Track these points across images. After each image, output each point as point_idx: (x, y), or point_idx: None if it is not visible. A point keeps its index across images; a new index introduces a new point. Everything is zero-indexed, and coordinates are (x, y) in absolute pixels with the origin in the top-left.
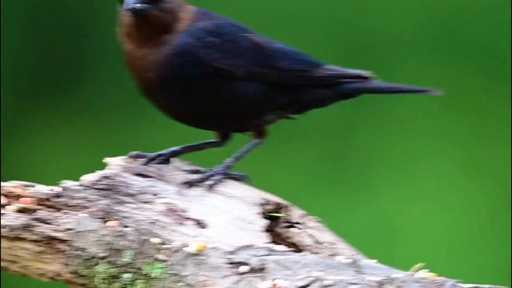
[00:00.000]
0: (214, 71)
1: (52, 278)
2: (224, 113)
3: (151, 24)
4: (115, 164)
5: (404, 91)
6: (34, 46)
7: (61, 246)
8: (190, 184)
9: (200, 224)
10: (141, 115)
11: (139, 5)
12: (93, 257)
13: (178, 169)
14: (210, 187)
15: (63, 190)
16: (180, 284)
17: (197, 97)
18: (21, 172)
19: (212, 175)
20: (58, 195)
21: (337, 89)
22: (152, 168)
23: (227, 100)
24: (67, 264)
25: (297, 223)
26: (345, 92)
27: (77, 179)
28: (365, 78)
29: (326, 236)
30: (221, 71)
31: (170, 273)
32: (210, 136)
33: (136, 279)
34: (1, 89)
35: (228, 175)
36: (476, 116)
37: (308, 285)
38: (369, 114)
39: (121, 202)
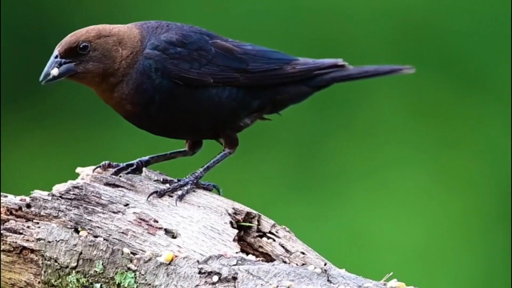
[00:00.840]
0: (184, 82)
1: None
2: (202, 121)
3: (88, 77)
4: (86, 173)
5: (379, 73)
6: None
7: (33, 256)
8: (160, 194)
9: (171, 233)
10: (110, 120)
11: (55, 70)
12: (65, 267)
13: (149, 179)
14: (180, 198)
15: (34, 200)
16: None
17: (175, 110)
18: None
19: (183, 185)
20: (29, 205)
21: (312, 83)
22: (123, 178)
23: (204, 108)
24: (38, 274)
25: (269, 232)
26: (320, 85)
27: (47, 188)
28: (340, 66)
29: (297, 245)
30: (191, 81)
31: (142, 283)
32: (180, 144)
33: None
34: None
35: (199, 185)
36: (445, 123)
37: None
38: (339, 123)
39: (92, 212)
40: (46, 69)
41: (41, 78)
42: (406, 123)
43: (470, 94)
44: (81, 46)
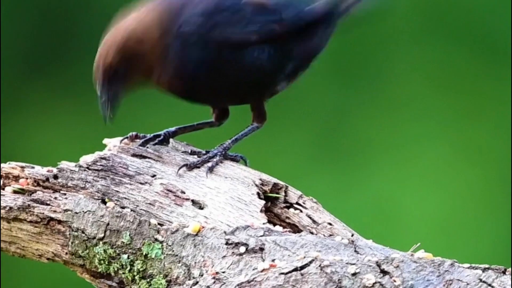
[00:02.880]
0: (230, 45)
1: (50, 259)
2: (245, 84)
3: (135, 84)
4: (113, 145)
5: None
6: (24, 25)
7: (60, 227)
8: (190, 167)
9: (198, 205)
10: (137, 92)
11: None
12: (92, 238)
13: (176, 150)
14: (210, 169)
15: (61, 171)
16: (179, 264)
17: (220, 75)
18: (17, 152)
19: (212, 157)
20: (56, 176)
21: (333, 19)
22: (150, 149)
23: (247, 69)
24: (65, 245)
25: (296, 203)
26: (336, 20)
27: (74, 159)
28: None
29: (324, 216)
30: (235, 43)
31: (168, 254)
32: (206, 116)
33: (135, 260)
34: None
35: (226, 156)
36: (472, 98)
37: (306, 265)
38: (365, 96)
39: (119, 183)
40: (103, 111)
41: (107, 120)
42: (429, 96)
43: (498, 68)
44: (111, 75)
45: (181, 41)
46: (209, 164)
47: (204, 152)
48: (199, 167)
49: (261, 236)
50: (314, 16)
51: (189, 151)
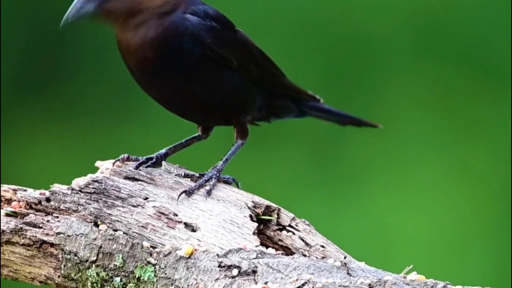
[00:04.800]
0: (214, 55)
1: (43, 282)
2: (214, 100)
3: (113, 14)
4: (105, 167)
5: (350, 119)
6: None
7: (52, 250)
8: (189, 192)
9: (191, 227)
10: (128, 114)
11: (78, 4)
12: (85, 261)
13: (169, 173)
14: (208, 193)
15: (53, 194)
16: (171, 287)
17: (193, 78)
18: (10, 174)
19: (207, 180)
20: (48, 199)
21: (299, 104)
22: (142, 172)
23: (221, 88)
24: (58, 268)
25: (289, 225)
26: (303, 110)
27: (67, 181)
28: (318, 100)
29: (316, 239)
30: (220, 57)
31: (161, 277)
32: (194, 131)
33: (127, 283)
34: None
35: (219, 179)
36: (465, 121)
37: (299, 287)
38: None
39: (112, 206)
40: (77, 4)
41: (69, 16)
42: (422, 120)
43: (486, 90)
44: None
45: (180, 23)
46: (207, 188)
47: (197, 175)
48: (197, 192)
49: (253, 258)
50: (283, 84)
51: (183, 174)
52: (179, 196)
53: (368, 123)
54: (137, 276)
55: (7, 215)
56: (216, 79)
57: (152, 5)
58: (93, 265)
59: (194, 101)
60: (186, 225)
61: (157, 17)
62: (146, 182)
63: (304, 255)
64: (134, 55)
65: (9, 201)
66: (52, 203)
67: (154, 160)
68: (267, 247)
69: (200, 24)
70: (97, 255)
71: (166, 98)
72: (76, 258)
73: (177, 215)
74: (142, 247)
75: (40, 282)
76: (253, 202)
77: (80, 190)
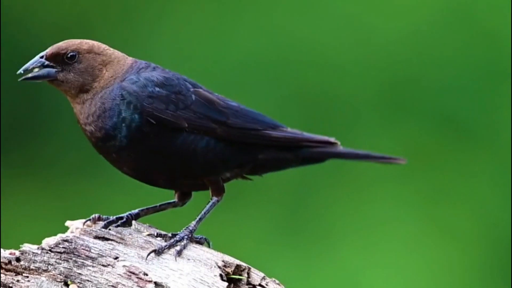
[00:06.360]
0: (158, 122)
1: None
2: (175, 167)
3: (65, 87)
4: (75, 227)
5: (370, 157)
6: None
7: None
8: (158, 252)
9: (161, 287)
10: (101, 175)
11: (37, 69)
12: None
13: (139, 232)
14: (179, 253)
15: (23, 253)
16: None
17: (143, 147)
18: None
19: (178, 241)
20: (18, 259)
21: (298, 153)
22: (113, 231)
23: (177, 153)
24: None
25: (259, 285)
26: (308, 156)
27: (37, 240)
28: (332, 143)
29: None
30: (165, 122)
31: None
32: (170, 198)
33: None
34: None
35: (192, 239)
36: (435, 177)
37: None
38: (329, 177)
39: (82, 266)
40: (28, 64)
41: (21, 70)
42: (397, 177)
43: (460, 147)
44: (68, 55)
45: (115, 92)
46: (178, 248)
47: (170, 235)
48: (167, 252)
49: None
50: (265, 137)
51: (155, 233)
52: (148, 255)
53: (392, 158)
54: None
55: None
56: (166, 145)
57: (99, 85)
58: None
59: (152, 169)
60: (156, 284)
61: (100, 93)
62: (116, 242)
63: None
64: (83, 129)
65: None
66: (22, 262)
67: (124, 219)
68: None
69: (136, 92)
70: None
71: (126, 168)
72: None
73: (147, 275)
74: None
75: None
76: (223, 261)
77: (50, 250)
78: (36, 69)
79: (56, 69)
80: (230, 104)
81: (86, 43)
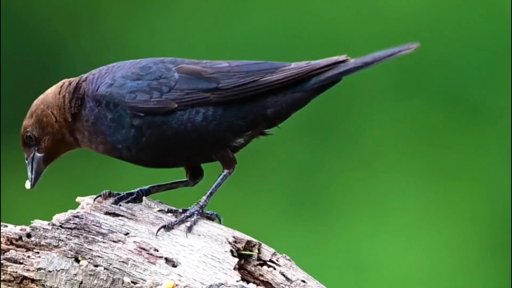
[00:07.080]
0: (146, 113)
1: None
2: (181, 149)
3: (56, 151)
4: (86, 203)
5: (378, 59)
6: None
7: (33, 286)
8: (168, 228)
9: (172, 262)
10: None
11: (29, 173)
12: None
13: (149, 208)
14: (189, 229)
15: (34, 229)
16: None
17: (148, 140)
18: None
19: (189, 216)
20: (29, 235)
21: (306, 86)
22: (123, 207)
23: (176, 134)
24: None
25: (270, 260)
26: (316, 87)
27: (47, 216)
28: (342, 61)
29: (297, 273)
30: (153, 110)
31: None
32: (181, 174)
33: None
34: None
35: (203, 215)
36: (443, 152)
37: None
38: (339, 152)
39: (92, 242)
40: (28, 175)
41: (29, 186)
42: (404, 152)
43: (467, 123)
44: (26, 139)
45: (90, 105)
46: (188, 224)
47: (181, 210)
48: (178, 228)
49: None
50: (265, 86)
51: (166, 209)
52: (158, 230)
53: (402, 50)
54: None
55: None
56: (164, 130)
57: (60, 120)
58: None
59: (165, 155)
60: (167, 260)
61: (74, 121)
62: (127, 218)
63: None
64: (102, 153)
65: None
66: (33, 238)
67: (135, 195)
68: (248, 282)
69: (116, 92)
70: None
71: (143, 162)
72: None
73: (158, 251)
74: (123, 283)
75: None
76: (234, 237)
77: (61, 226)
78: (29, 173)
79: (37, 151)
80: (219, 66)
81: (28, 115)
